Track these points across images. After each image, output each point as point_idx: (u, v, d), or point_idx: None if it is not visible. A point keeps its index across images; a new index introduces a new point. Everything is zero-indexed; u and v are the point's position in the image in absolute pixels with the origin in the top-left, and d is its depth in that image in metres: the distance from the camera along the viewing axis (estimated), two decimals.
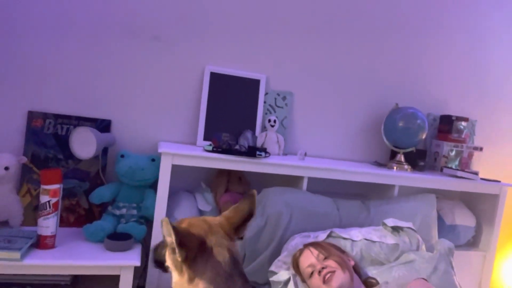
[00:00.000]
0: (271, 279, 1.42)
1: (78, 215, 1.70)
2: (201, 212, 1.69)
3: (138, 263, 1.40)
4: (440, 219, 2.02)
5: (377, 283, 1.34)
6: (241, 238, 1.05)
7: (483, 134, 2.30)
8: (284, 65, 1.95)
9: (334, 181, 1.88)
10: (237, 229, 1.03)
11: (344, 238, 1.56)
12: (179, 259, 0.91)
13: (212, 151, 1.61)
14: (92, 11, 1.69)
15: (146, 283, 1.54)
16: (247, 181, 1.82)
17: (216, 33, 1.84)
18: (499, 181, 2.03)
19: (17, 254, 1.25)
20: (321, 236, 1.56)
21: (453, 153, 2.08)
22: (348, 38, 2.03)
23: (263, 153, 1.65)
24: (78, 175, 1.70)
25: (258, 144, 1.83)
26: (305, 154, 1.84)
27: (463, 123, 2.09)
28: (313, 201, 1.70)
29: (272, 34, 1.91)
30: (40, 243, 1.38)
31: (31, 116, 1.65)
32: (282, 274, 1.40)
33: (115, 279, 1.44)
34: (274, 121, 1.86)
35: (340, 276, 1.25)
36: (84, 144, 1.53)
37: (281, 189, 1.68)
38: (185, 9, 1.79)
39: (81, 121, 1.69)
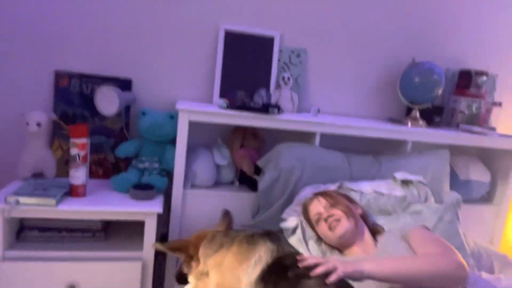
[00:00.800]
0: (281, 225, 1.52)
1: (106, 168, 1.84)
2: (217, 166, 1.79)
3: (160, 210, 1.53)
4: (454, 174, 2.04)
5: (383, 230, 1.41)
6: None
7: (504, 89, 2.24)
8: (298, 22, 1.95)
9: (347, 138, 1.91)
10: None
11: (354, 190, 1.63)
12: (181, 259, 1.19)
13: (226, 108, 1.68)
14: None
15: (169, 230, 1.68)
16: (262, 137, 1.89)
17: None
18: None
19: (52, 201, 1.40)
20: (331, 188, 1.63)
21: (471, 109, 2.06)
22: None
23: (275, 110, 1.70)
24: (104, 132, 1.83)
25: (272, 102, 1.88)
26: (318, 111, 1.87)
27: (483, 78, 2.04)
28: (325, 156, 1.76)
29: None
30: (72, 191, 1.52)
31: (58, 75, 1.76)
32: (291, 220, 1.50)
33: (140, 227, 1.58)
34: (288, 79, 1.89)
35: (345, 224, 1.32)
36: (107, 102, 1.63)
37: (294, 144, 1.75)
38: None
39: (104, 80, 1.79)
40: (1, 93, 1.72)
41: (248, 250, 1.10)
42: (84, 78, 1.78)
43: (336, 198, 1.41)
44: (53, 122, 1.74)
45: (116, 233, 1.67)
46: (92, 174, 1.82)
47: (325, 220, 1.35)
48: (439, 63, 2.11)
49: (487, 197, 2.15)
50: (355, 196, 1.61)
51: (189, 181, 1.73)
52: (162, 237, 1.79)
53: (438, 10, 2.09)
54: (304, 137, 1.85)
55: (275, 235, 1.17)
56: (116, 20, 1.78)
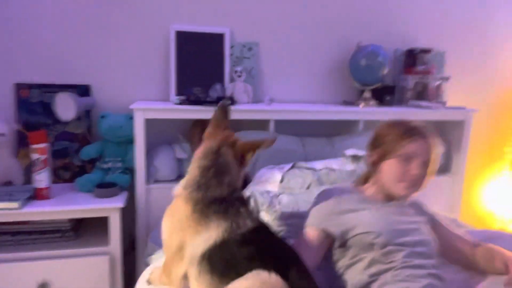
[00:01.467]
0: None
1: (73, 172, 1.92)
2: (178, 160, 1.88)
3: (122, 205, 1.61)
4: None
5: None
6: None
7: (454, 64, 2.35)
8: (247, 17, 2.04)
9: (302, 123, 2.01)
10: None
11: (307, 168, 1.73)
12: None
13: (180, 103, 1.76)
14: None
15: (136, 224, 1.76)
16: None
17: None
18: (463, 108, 2.12)
19: (15, 204, 1.48)
20: (286, 167, 1.72)
21: (419, 85, 2.16)
22: None
23: (227, 101, 1.79)
24: (67, 137, 1.90)
25: (227, 95, 1.97)
26: (272, 100, 1.96)
27: (427, 55, 2.15)
28: (279, 140, 1.84)
29: None
30: (37, 194, 1.60)
31: (18, 87, 1.83)
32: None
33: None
34: (241, 72, 1.98)
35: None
36: (65, 108, 1.71)
37: (248, 132, 1.84)
38: None
39: (63, 88, 1.86)
40: None
41: (200, 223, 1.04)
42: (44, 87, 1.86)
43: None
44: (17, 132, 1.81)
45: (85, 232, 1.75)
46: (59, 179, 1.90)
47: (414, 169, 1.20)
48: (388, 45, 2.22)
49: (444, 168, 2.25)
50: (308, 172, 1.70)
51: (152, 177, 1.81)
52: (131, 242, 1.87)
53: None
54: (260, 125, 1.94)
55: (235, 208, 1.07)
56: (70, 28, 1.86)
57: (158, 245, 1.50)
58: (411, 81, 2.15)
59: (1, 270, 1.50)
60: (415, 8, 2.25)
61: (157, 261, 1.35)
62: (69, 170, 1.92)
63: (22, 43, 1.82)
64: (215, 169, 1.10)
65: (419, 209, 1.35)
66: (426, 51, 2.15)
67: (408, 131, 1.24)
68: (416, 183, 1.23)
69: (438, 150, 1.28)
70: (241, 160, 1.16)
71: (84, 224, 1.80)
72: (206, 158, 1.12)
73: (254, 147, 1.17)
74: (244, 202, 1.10)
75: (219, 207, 1.05)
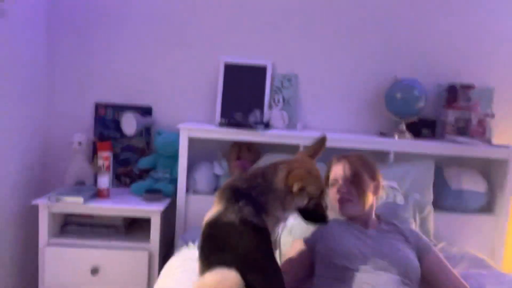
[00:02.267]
0: None
1: (132, 179, 2.28)
2: (216, 176, 2.12)
3: (162, 208, 1.90)
4: (446, 184, 2.11)
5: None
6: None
7: (504, 101, 2.26)
8: (288, 51, 2.26)
9: (333, 151, 2.10)
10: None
11: None
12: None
13: (220, 125, 2.02)
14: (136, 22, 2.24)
15: (175, 227, 2.03)
16: (256, 150, 2.19)
17: (227, 27, 2.23)
18: (507, 146, 2.04)
19: (80, 199, 1.85)
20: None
21: (460, 121, 2.13)
22: (348, 16, 2.24)
23: (261, 126, 2.01)
24: (130, 149, 2.28)
25: (265, 120, 2.18)
26: (304, 127, 2.12)
27: (470, 91, 2.13)
28: None
29: (276, 23, 2.24)
30: (99, 194, 1.96)
31: (97, 106, 2.27)
32: None
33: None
34: (278, 100, 2.19)
35: (352, 207, 1.40)
36: (129, 125, 2.09)
37: (277, 155, 2.01)
38: (199, 9, 2.23)
39: (130, 108, 2.25)
40: (56, 121, 2.27)
41: (214, 202, 1.21)
42: (116, 107, 2.27)
43: (359, 175, 1.43)
44: (92, 142, 2.24)
45: (135, 230, 2.06)
46: (121, 183, 2.27)
47: (338, 191, 1.42)
48: (430, 79, 2.25)
49: (487, 207, 2.15)
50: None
51: (192, 188, 2.08)
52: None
53: (428, 30, 2.25)
54: (293, 150, 2.10)
55: (238, 200, 1.12)
56: (139, 58, 2.26)
57: (185, 243, 1.74)
58: (451, 116, 2.13)
59: (65, 252, 1.87)
60: (462, 43, 2.25)
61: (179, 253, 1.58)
62: (129, 177, 2.28)
63: (103, 68, 2.26)
64: (258, 171, 1.21)
65: (403, 236, 1.38)
66: (468, 86, 2.13)
67: (333, 159, 1.53)
68: (347, 200, 1.37)
69: (367, 168, 1.45)
70: (289, 188, 1.17)
71: (138, 223, 2.11)
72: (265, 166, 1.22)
73: (300, 178, 1.15)
74: (253, 203, 1.12)
75: (229, 193, 1.15)
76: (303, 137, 2.02)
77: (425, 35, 2.26)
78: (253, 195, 1.13)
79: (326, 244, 1.32)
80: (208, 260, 1.05)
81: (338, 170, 1.47)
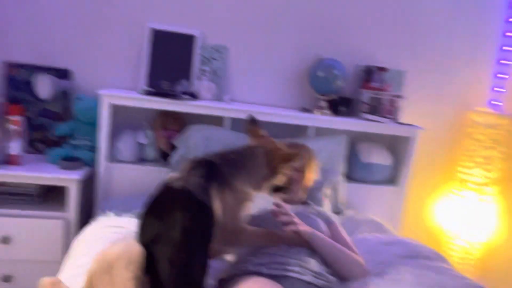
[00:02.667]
0: None
1: (48, 145, 2.15)
2: (140, 145, 2.10)
3: (79, 177, 1.84)
4: (357, 157, 2.31)
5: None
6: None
7: (414, 84, 2.50)
8: (218, 22, 2.25)
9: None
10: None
11: None
12: None
13: (144, 94, 1.98)
14: None
15: (94, 196, 1.99)
16: (183, 120, 2.19)
17: None
18: (411, 125, 2.27)
19: None
20: None
21: (374, 100, 2.32)
22: None
23: (187, 96, 2.00)
24: (47, 114, 2.14)
25: (192, 91, 2.18)
26: (231, 99, 2.16)
27: (384, 73, 2.31)
28: (231, 136, 2.05)
29: None
30: (9, 160, 1.84)
31: (9, 65, 2.08)
32: None
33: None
34: (206, 71, 2.19)
35: (294, 193, 1.55)
36: (43, 88, 1.95)
37: (203, 126, 2.05)
38: None
39: (46, 70, 2.10)
40: None
41: None
42: (30, 68, 2.10)
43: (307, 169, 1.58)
44: (1, 104, 2.06)
45: (52, 199, 1.97)
46: (35, 150, 2.14)
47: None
48: (351, 59, 2.39)
49: (390, 179, 2.41)
50: None
51: (114, 156, 2.04)
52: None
53: (350, 13, 2.37)
54: (218, 121, 2.14)
55: (195, 170, 1.09)
56: (59, 17, 2.10)
57: (103, 212, 1.73)
58: (366, 95, 2.31)
59: None
60: (379, 27, 2.42)
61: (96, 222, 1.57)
62: (45, 143, 2.16)
63: (16, 25, 2.06)
64: (234, 152, 1.17)
65: (313, 209, 1.52)
66: (382, 68, 2.31)
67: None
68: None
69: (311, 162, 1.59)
70: (273, 168, 1.21)
71: (55, 192, 2.02)
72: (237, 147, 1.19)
73: (286, 159, 1.22)
74: (211, 174, 1.07)
75: (193, 161, 1.11)
76: (229, 109, 2.06)
77: (346, 18, 2.38)
78: (219, 166, 1.09)
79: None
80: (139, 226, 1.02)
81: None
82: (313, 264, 1.21)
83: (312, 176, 1.65)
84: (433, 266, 1.35)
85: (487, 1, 2.48)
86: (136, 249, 0.96)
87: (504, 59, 2.52)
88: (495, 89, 2.56)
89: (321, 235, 1.27)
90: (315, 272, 1.18)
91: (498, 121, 2.43)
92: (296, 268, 1.16)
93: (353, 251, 1.32)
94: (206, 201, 1.03)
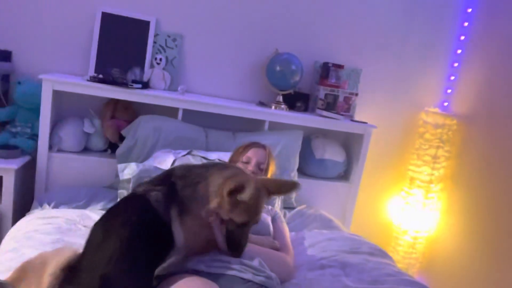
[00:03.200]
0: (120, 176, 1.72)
1: None
2: (86, 134, 1.99)
3: (15, 167, 1.71)
4: (311, 153, 2.32)
5: None
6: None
7: (370, 82, 2.54)
8: (175, 9, 2.17)
9: (211, 116, 2.13)
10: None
11: (201, 157, 1.87)
12: None
13: (91, 80, 1.87)
14: None
15: (35, 187, 1.87)
16: (133, 110, 2.10)
17: None
18: (365, 123, 2.31)
19: None
20: (182, 152, 1.87)
21: (329, 97, 2.34)
22: None
23: (136, 85, 1.92)
24: None
25: (145, 79, 2.09)
26: (185, 90, 2.10)
27: (340, 70, 2.33)
28: (183, 128, 1.99)
29: None
30: None
31: None
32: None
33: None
34: (160, 59, 2.11)
35: None
36: None
37: (154, 116, 1.97)
38: None
39: None
40: None
41: None
42: None
43: (268, 167, 1.59)
44: None
45: None
46: None
47: (248, 169, 1.51)
48: (309, 56, 2.39)
49: (344, 176, 2.44)
50: (199, 161, 1.84)
51: (56, 145, 1.92)
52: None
53: (311, 10, 2.36)
54: (171, 112, 2.07)
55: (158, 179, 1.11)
56: None
57: (40, 204, 1.63)
58: (322, 91, 2.32)
59: None
60: (334, 25, 2.42)
61: (30, 215, 1.47)
62: None
63: None
64: (200, 172, 1.11)
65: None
66: (339, 66, 2.32)
67: (255, 143, 1.62)
68: None
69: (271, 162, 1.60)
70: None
71: None
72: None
73: (277, 192, 1.18)
74: (173, 200, 1.05)
75: (164, 174, 1.13)
76: (182, 101, 2.00)
77: (306, 14, 2.37)
78: (178, 188, 1.06)
79: None
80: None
81: (258, 153, 1.56)
82: (256, 260, 1.20)
83: (271, 174, 1.63)
84: (373, 261, 1.37)
85: (443, 5, 2.55)
86: (68, 251, 0.97)
87: (457, 62, 2.61)
88: (448, 91, 2.66)
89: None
90: (255, 269, 1.16)
91: (446, 121, 2.52)
92: (237, 266, 1.13)
93: (288, 249, 1.32)
94: (163, 216, 1.01)
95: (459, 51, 2.60)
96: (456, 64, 2.62)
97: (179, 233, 1.02)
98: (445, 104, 2.65)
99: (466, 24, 2.57)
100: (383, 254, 1.48)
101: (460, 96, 2.60)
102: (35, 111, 1.94)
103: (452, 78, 2.64)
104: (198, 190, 1.07)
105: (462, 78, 2.59)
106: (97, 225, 1.02)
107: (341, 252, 1.41)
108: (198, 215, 1.06)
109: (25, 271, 0.98)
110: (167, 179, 1.08)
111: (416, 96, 2.64)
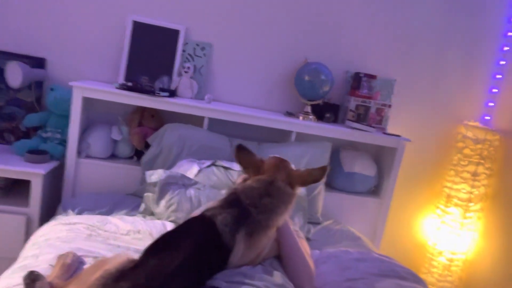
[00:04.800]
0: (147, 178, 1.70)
1: (18, 136, 2.06)
2: (113, 141, 2.00)
3: (44, 172, 1.74)
4: (340, 166, 2.23)
5: None
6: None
7: (404, 93, 2.42)
8: (205, 18, 2.16)
9: (237, 126, 2.08)
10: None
11: (225, 168, 1.83)
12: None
13: (120, 88, 1.89)
14: None
15: (62, 192, 1.89)
16: (160, 118, 2.10)
17: None
18: (398, 136, 2.19)
19: None
20: (206, 163, 1.83)
21: (361, 108, 2.24)
22: None
23: (164, 93, 1.91)
24: (17, 103, 2.05)
25: (172, 88, 2.09)
26: (211, 99, 2.07)
27: (373, 80, 2.24)
28: (208, 137, 1.97)
29: None
30: None
31: None
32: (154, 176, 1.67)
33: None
34: (188, 68, 2.10)
35: None
36: (14, 75, 1.86)
37: (180, 125, 1.96)
38: None
39: (20, 58, 2.00)
40: None
41: None
42: (3, 54, 2.00)
43: None
44: None
45: (17, 193, 1.88)
46: (4, 140, 2.04)
47: None
48: (340, 66, 2.31)
49: (374, 191, 2.33)
50: (223, 172, 1.80)
51: (84, 151, 1.94)
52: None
53: (344, 20, 2.29)
54: (198, 120, 2.05)
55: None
56: (36, 3, 2.00)
57: (65, 210, 1.64)
58: (353, 102, 2.23)
59: None
60: (367, 34, 2.33)
61: (54, 220, 1.48)
62: (14, 134, 2.06)
63: None
64: (261, 194, 1.17)
65: None
66: (371, 76, 2.23)
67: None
68: None
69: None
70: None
71: (23, 186, 1.91)
72: (258, 182, 1.20)
73: (305, 182, 1.30)
74: (243, 224, 1.11)
75: (232, 196, 1.18)
76: (209, 109, 1.98)
77: (337, 23, 2.29)
78: (253, 214, 1.13)
79: None
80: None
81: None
82: (277, 276, 1.14)
83: None
84: (405, 286, 1.27)
85: (484, 13, 2.40)
86: (124, 257, 0.99)
87: (500, 74, 2.45)
88: (489, 104, 2.49)
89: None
90: (278, 285, 1.10)
91: (487, 137, 2.35)
92: (260, 283, 1.07)
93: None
94: (227, 239, 1.07)
95: (502, 62, 2.44)
96: (499, 76, 2.46)
97: (237, 253, 1.09)
98: (486, 118, 2.48)
99: (510, 33, 2.41)
100: (416, 278, 1.36)
101: (503, 110, 2.42)
102: (66, 117, 1.97)
103: (495, 90, 2.47)
104: (275, 205, 1.18)
105: (505, 91, 2.42)
106: (162, 238, 1.06)
107: (369, 274, 1.31)
108: (272, 226, 1.16)
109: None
110: (237, 203, 1.14)
111: (454, 108, 2.50)
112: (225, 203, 1.15)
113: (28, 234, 1.75)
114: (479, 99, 2.51)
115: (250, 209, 1.13)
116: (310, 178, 1.28)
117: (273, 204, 1.17)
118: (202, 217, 1.12)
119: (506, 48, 2.43)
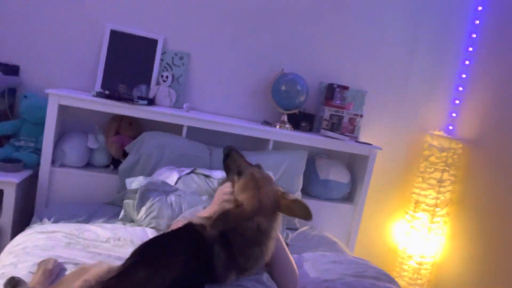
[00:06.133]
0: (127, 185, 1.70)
1: None
2: (89, 149, 1.98)
3: (17, 181, 1.70)
4: (316, 173, 2.30)
5: None
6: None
7: (376, 104, 2.54)
8: (183, 28, 2.20)
9: (215, 134, 2.13)
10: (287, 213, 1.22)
11: (205, 175, 1.85)
12: None
13: (97, 96, 1.88)
14: None
15: (35, 202, 1.84)
16: (138, 126, 2.10)
17: None
18: (370, 144, 2.29)
19: None
20: (186, 170, 1.85)
21: (334, 117, 2.33)
22: (244, 5, 2.26)
23: (142, 101, 1.92)
24: None
25: (151, 96, 2.10)
26: (190, 108, 2.10)
27: (345, 91, 2.34)
28: (187, 145, 1.98)
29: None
30: None
31: None
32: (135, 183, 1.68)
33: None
34: (167, 77, 2.12)
35: None
36: None
37: (158, 133, 1.97)
38: None
39: None
40: None
41: None
42: None
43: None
44: None
45: None
46: None
47: None
48: (315, 77, 2.40)
49: (348, 197, 2.41)
50: (203, 180, 1.82)
51: (59, 160, 1.91)
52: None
53: (317, 32, 2.39)
54: (176, 129, 2.07)
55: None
56: (9, 8, 1.97)
57: (40, 219, 1.60)
58: (327, 112, 2.32)
59: None
60: (340, 47, 2.44)
61: (29, 229, 1.44)
62: None
63: None
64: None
65: None
66: (344, 87, 2.33)
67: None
68: None
69: None
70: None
71: None
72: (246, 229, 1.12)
73: (291, 214, 1.25)
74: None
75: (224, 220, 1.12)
76: (187, 118, 2.00)
77: (312, 36, 2.39)
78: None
79: None
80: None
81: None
82: (265, 277, 1.17)
83: None
84: (380, 286, 1.33)
85: (448, 29, 2.57)
86: (104, 267, 0.98)
87: (461, 86, 2.62)
88: (453, 114, 2.65)
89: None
90: (263, 283, 1.14)
91: (451, 145, 2.50)
92: (249, 284, 1.11)
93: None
94: (220, 274, 1.05)
95: (463, 76, 2.61)
96: (460, 88, 2.63)
97: (229, 282, 1.08)
98: (450, 127, 2.64)
99: (470, 49, 2.59)
100: (389, 279, 1.43)
101: (465, 120, 2.59)
102: (40, 125, 1.93)
103: (457, 102, 2.64)
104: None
105: (467, 102, 2.59)
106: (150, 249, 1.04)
107: (346, 275, 1.37)
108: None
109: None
110: (226, 244, 1.08)
111: (421, 118, 2.64)
112: (216, 232, 1.09)
113: (0, 245, 1.70)
114: (444, 110, 2.67)
115: (237, 257, 1.08)
116: (294, 214, 1.24)
117: (262, 250, 1.12)
118: (192, 231, 1.09)
119: (467, 62, 2.60)
